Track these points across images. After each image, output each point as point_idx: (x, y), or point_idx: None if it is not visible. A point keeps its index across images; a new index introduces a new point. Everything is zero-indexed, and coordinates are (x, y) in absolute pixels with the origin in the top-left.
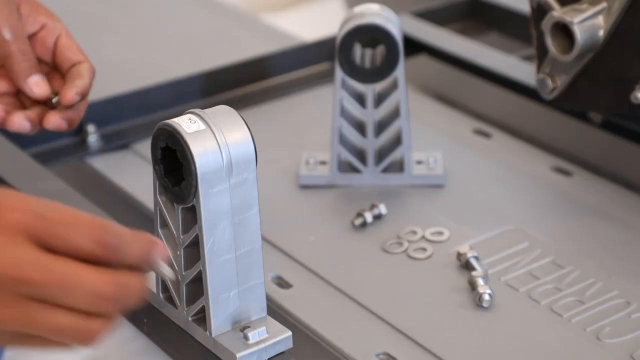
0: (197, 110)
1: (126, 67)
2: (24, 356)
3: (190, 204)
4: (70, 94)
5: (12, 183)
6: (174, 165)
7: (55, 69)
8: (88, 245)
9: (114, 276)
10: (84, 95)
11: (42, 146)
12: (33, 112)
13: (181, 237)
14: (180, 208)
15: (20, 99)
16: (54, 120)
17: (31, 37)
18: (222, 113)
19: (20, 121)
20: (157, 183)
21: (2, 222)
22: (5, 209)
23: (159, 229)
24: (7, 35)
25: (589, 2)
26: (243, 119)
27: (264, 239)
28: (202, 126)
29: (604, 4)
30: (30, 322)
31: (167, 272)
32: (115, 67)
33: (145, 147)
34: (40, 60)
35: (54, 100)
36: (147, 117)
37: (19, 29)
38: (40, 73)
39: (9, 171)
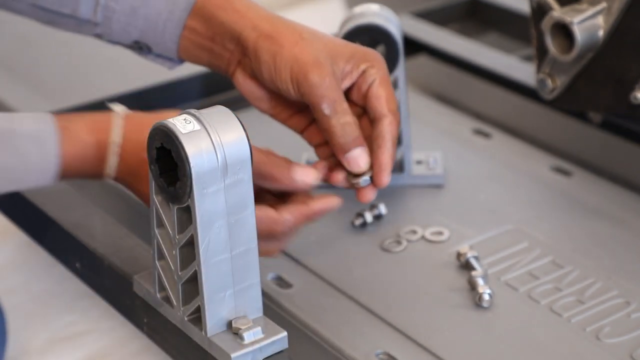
0: (193, 111)
1: (126, 67)
2: (24, 356)
3: (186, 204)
4: (383, 179)
5: None
6: (170, 166)
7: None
8: None
9: None
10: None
11: None
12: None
13: (177, 237)
14: (175, 208)
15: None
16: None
17: (351, 87)
18: (217, 113)
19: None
20: (153, 183)
21: None
22: None
23: (155, 229)
24: (326, 111)
25: (589, 2)
26: (238, 119)
27: None
28: (197, 126)
29: (603, 4)
30: None
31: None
32: (115, 67)
33: None
34: (355, 105)
35: (362, 180)
36: None
37: (339, 103)
38: (362, 145)
39: None
